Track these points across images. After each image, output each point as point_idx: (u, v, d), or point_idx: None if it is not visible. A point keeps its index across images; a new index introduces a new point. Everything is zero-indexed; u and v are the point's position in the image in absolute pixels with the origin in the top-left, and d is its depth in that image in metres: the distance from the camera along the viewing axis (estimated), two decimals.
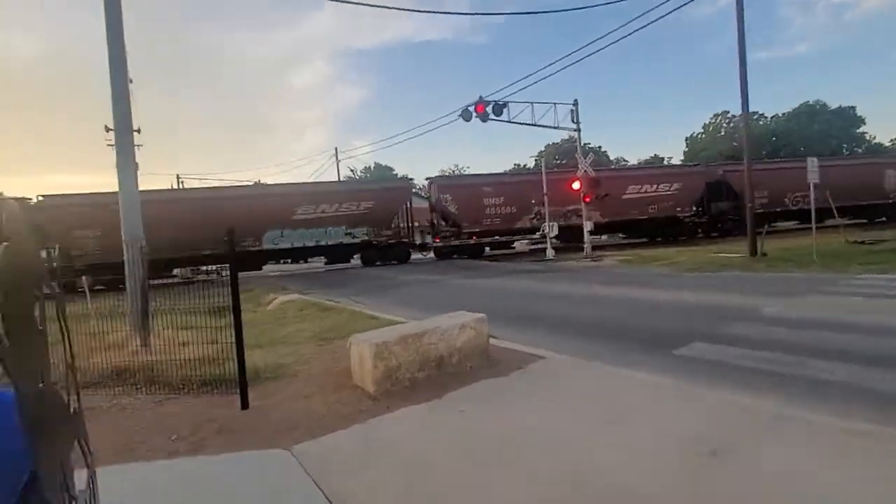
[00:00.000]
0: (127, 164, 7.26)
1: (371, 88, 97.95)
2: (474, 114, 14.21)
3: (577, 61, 20.59)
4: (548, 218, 18.38)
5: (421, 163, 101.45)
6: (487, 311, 7.97)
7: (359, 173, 51.18)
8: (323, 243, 20.70)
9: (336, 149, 36.45)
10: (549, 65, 16.05)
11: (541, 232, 18.74)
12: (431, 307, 9.08)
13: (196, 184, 27.76)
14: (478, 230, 21.11)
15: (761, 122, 49.06)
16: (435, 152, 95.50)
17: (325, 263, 23.08)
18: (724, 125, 51.41)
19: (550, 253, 18.05)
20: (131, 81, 8.94)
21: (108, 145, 28.08)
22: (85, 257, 17.58)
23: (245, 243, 19.35)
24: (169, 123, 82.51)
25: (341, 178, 35.69)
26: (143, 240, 7.38)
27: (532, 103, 15.24)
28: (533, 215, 21.55)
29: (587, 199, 16.33)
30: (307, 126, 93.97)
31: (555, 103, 15.83)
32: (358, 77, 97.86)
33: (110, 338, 6.70)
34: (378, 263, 21.38)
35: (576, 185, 16.22)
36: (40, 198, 18.59)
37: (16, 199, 17.91)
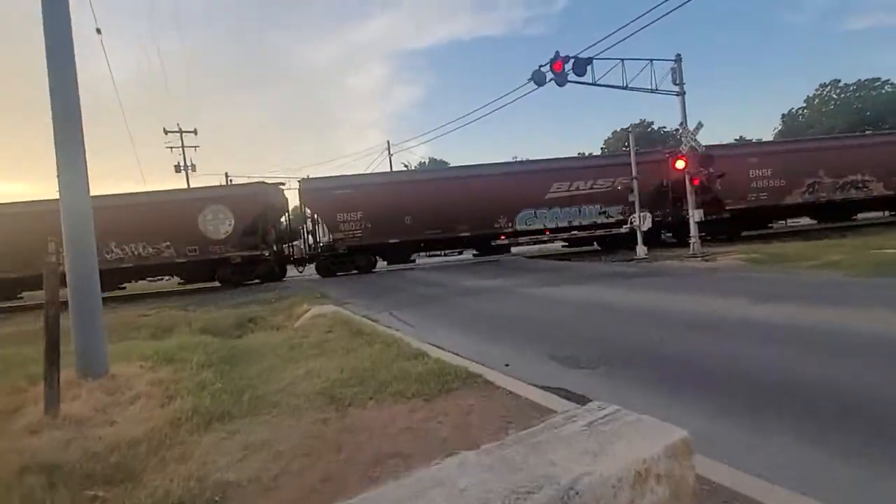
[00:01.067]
0: (75, 169, 5.13)
1: (426, 88, 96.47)
2: (550, 75, 11.17)
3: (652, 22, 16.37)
4: (638, 208, 14.85)
5: (476, 156, 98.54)
6: (607, 349, 4.60)
7: (413, 168, 49.24)
8: (575, 223, 18.85)
9: (388, 142, 34.57)
10: (634, 20, 12.31)
11: (629, 224, 15.27)
12: (506, 335, 6.25)
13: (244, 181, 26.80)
14: (742, 206, 18.07)
15: (885, 91, 41.09)
16: (491, 144, 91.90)
17: (564, 246, 21.16)
18: (835, 97, 43.78)
19: (642, 251, 14.55)
20: (99, 32, 6.92)
21: (167, 147, 27.42)
22: (347, 240, 17.82)
23: (497, 224, 18.38)
24: (228, 124, 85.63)
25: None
26: (94, 255, 5.26)
27: (622, 59, 11.94)
28: (805, 189, 18.55)
29: (697, 182, 12.74)
30: (364, 126, 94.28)
31: (651, 60, 12.38)
32: (413, 77, 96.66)
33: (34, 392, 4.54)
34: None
35: (680, 164, 12.68)
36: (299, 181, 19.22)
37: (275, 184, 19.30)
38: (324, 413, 3.76)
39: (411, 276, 16.59)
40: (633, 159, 15.08)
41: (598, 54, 11.42)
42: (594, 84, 11.66)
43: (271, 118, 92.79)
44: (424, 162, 55.37)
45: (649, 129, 48.92)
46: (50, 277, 3.79)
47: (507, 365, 4.70)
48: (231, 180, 25.93)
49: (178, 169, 34.01)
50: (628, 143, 17.21)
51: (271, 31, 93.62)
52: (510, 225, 18.63)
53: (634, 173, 14.91)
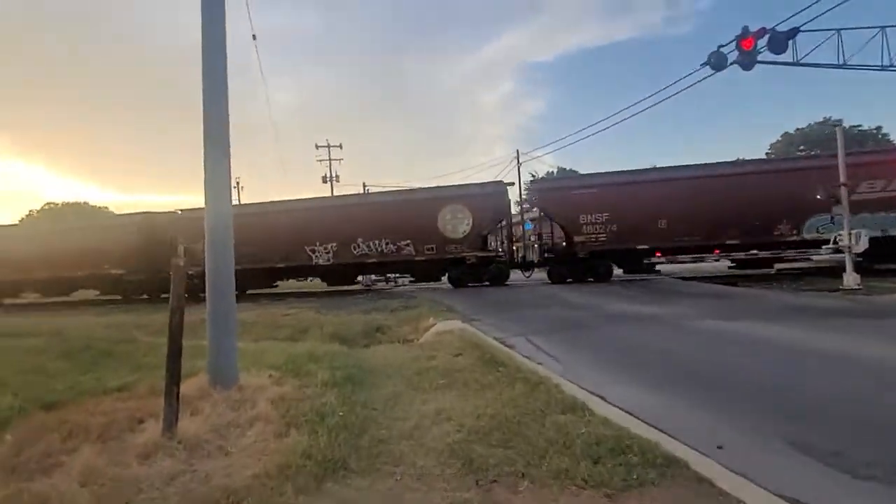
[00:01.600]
0: (219, 175, 5.05)
1: (551, 99, 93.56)
2: (736, 54, 8.87)
3: None
4: (847, 224, 11.39)
5: (606, 166, 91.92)
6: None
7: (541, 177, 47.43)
8: (893, 233, 14.22)
9: (518, 151, 33.53)
10: None
11: (832, 243, 11.80)
12: (691, 388, 4.55)
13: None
14: None
15: None
16: (621, 153, 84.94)
17: (859, 261, 15.00)
18: None
19: (852, 279, 11.09)
20: (254, 38, 7.03)
21: (318, 160, 29.56)
22: (589, 244, 16.36)
23: (778, 232, 15.22)
24: (368, 141, 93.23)
25: (523, 184, 32.47)
26: (232, 259, 5.09)
27: (839, 30, 9.07)
28: None
29: None
30: (490, 140, 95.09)
31: (882, 27, 9.25)
32: (539, 89, 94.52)
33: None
34: None
35: None
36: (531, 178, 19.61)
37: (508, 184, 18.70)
38: (461, 490, 2.76)
39: (545, 292, 15.19)
40: (840, 160, 11.61)
41: (801, 26, 8.81)
42: (795, 64, 9.05)
43: (406, 133, 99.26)
44: (552, 171, 53.13)
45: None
46: (177, 282, 3.45)
47: (719, 447, 3.20)
48: (367, 189, 27.45)
49: (324, 180, 37.54)
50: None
51: (409, 55, 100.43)
52: (794, 232, 14.91)
53: (843, 178, 11.46)
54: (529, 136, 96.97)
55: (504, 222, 18.43)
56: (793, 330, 7.28)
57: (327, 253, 18.11)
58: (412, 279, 19.62)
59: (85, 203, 48.40)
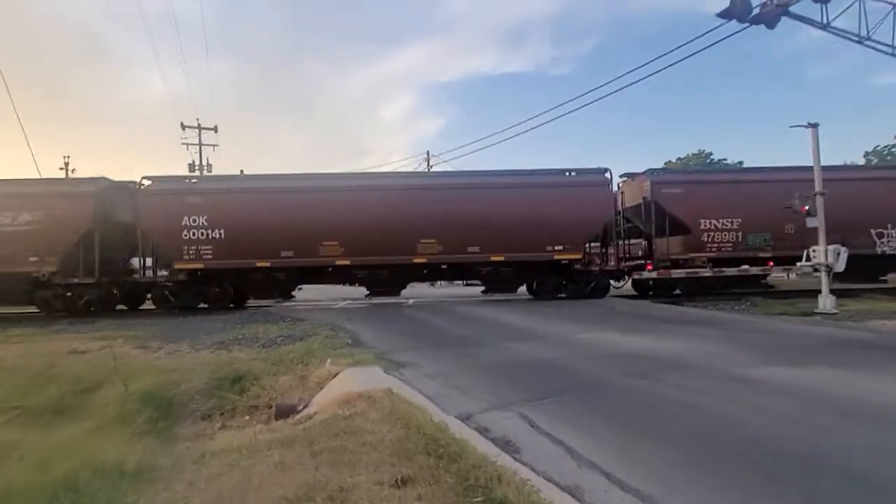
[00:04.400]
0: None
1: (450, 118, 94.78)
2: (763, 3, 6.59)
3: None
4: (823, 237, 10.02)
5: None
6: None
7: None
8: None
9: (428, 152, 30.64)
10: None
11: (805, 260, 10.35)
12: None
13: None
14: None
15: None
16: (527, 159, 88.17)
17: None
18: None
19: (828, 303, 9.67)
20: None
21: (183, 143, 23.01)
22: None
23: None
24: (260, 142, 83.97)
25: None
26: None
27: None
28: None
29: None
30: (389, 153, 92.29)
31: None
32: (438, 108, 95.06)
33: None
34: None
35: None
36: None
37: None
38: None
39: (466, 313, 11.95)
40: (816, 169, 10.25)
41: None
42: (824, 28, 7.24)
43: (303, 139, 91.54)
44: None
45: (709, 160, 44.20)
46: None
47: None
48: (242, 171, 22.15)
49: (192, 168, 30.62)
50: None
51: (312, 63, 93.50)
52: None
53: (819, 187, 10.14)
54: (426, 148, 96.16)
55: None
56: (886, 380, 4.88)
57: None
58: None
59: None
